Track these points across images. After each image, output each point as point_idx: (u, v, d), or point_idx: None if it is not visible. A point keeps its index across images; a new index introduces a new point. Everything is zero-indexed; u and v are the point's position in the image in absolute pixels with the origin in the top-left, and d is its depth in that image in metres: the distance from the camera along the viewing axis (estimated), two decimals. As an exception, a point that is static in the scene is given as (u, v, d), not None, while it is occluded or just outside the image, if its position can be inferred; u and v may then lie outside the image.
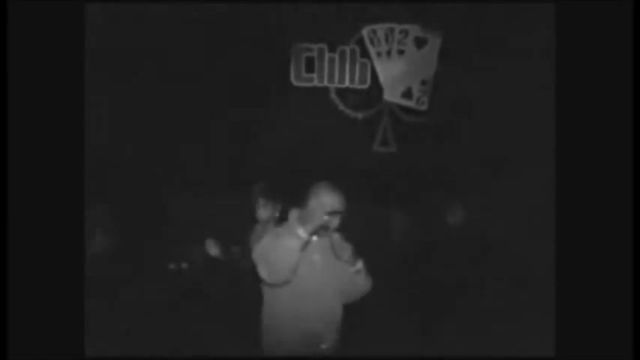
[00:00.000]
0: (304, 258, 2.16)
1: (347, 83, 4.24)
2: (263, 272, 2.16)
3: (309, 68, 4.19)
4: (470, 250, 3.82)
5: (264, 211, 3.03)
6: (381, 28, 4.14)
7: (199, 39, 4.50)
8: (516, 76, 4.27)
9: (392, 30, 4.14)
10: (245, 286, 3.47)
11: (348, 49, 4.22)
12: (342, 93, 4.27)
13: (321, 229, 2.17)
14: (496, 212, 4.17)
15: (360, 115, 4.30)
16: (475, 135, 4.54)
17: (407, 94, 4.27)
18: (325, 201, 2.18)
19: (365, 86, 4.28)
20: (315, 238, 2.21)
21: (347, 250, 2.27)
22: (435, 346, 3.17)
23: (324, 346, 2.28)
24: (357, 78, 4.23)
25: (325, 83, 4.22)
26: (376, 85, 4.27)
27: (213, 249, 3.09)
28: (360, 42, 4.19)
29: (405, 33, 4.16)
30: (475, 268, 3.83)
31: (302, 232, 2.12)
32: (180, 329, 3.27)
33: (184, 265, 3.69)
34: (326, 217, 2.14)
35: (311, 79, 4.21)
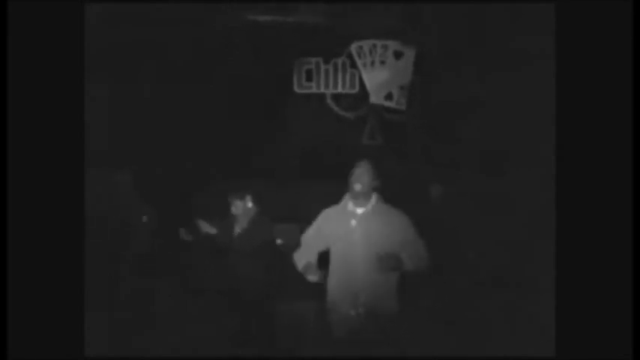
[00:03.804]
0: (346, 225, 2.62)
1: (340, 89, 5.12)
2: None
3: (309, 78, 5.06)
4: (469, 251, 3.82)
5: (236, 208, 3.47)
6: (366, 44, 5.06)
7: (200, 40, 4.52)
8: (516, 76, 4.28)
9: (375, 45, 5.07)
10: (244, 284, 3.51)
11: (339, 61, 5.11)
12: (336, 97, 5.13)
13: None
14: (496, 212, 4.17)
15: (351, 115, 5.13)
16: (475, 134, 4.55)
17: (388, 97, 5.11)
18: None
19: (354, 91, 5.12)
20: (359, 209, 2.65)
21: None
22: (434, 346, 3.16)
23: (352, 313, 2.56)
24: (347, 85, 5.12)
25: (322, 90, 5.09)
26: (363, 90, 5.10)
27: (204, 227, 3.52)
28: (350, 55, 5.08)
29: (386, 47, 5.07)
30: (475, 267, 3.83)
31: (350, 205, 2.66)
32: (180, 329, 3.26)
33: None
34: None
35: (310, 87, 5.08)
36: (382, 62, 5.03)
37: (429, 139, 4.83)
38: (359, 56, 5.01)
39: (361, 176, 2.63)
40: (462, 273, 3.89)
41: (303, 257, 2.81)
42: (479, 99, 4.54)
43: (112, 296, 3.35)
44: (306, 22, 4.72)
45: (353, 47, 5.00)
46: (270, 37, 4.71)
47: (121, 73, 4.37)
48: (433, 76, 4.82)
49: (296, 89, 5.02)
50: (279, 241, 3.64)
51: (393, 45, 5.01)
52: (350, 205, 2.69)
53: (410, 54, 5.02)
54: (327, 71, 5.05)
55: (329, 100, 5.07)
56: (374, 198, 2.70)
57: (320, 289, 2.75)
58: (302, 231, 2.90)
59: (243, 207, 3.47)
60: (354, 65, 5.03)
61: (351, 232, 2.63)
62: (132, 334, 3.06)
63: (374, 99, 5.06)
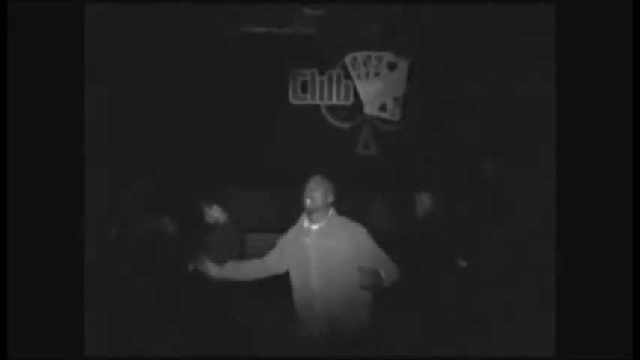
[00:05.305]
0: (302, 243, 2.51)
1: (334, 100, 5.20)
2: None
3: (304, 89, 5.15)
4: (469, 250, 3.81)
5: (209, 217, 3.54)
6: (360, 56, 5.16)
7: (200, 40, 4.53)
8: (516, 76, 4.28)
9: (369, 57, 5.16)
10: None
11: (334, 72, 5.19)
12: (331, 108, 5.22)
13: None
14: (496, 212, 4.17)
15: (345, 126, 5.21)
16: (475, 134, 4.55)
17: (382, 107, 5.20)
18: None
19: (349, 102, 5.22)
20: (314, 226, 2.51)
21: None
22: (434, 345, 3.17)
23: (315, 332, 2.44)
24: (342, 96, 5.21)
25: (317, 101, 5.19)
26: (358, 102, 5.20)
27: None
28: (344, 67, 5.16)
29: (380, 59, 5.16)
30: (475, 267, 3.82)
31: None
32: (179, 329, 3.26)
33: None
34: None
35: (305, 98, 5.16)
36: (376, 74, 5.13)
37: (427, 139, 4.84)
38: (353, 68, 5.11)
39: (312, 192, 2.48)
40: (462, 273, 3.89)
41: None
42: (479, 99, 4.54)
43: (112, 296, 3.35)
44: (300, 34, 4.79)
45: (347, 59, 5.10)
46: (266, 49, 4.78)
47: (121, 73, 4.37)
48: (432, 77, 4.83)
49: (291, 100, 5.10)
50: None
51: (387, 56, 5.12)
52: (305, 223, 2.55)
53: (403, 65, 5.12)
54: (322, 82, 5.15)
55: (324, 111, 5.15)
56: (330, 213, 2.54)
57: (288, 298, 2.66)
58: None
59: (212, 216, 3.55)
60: (348, 76, 5.12)
61: (306, 249, 2.48)
62: (132, 334, 3.06)
63: (368, 110, 5.16)
